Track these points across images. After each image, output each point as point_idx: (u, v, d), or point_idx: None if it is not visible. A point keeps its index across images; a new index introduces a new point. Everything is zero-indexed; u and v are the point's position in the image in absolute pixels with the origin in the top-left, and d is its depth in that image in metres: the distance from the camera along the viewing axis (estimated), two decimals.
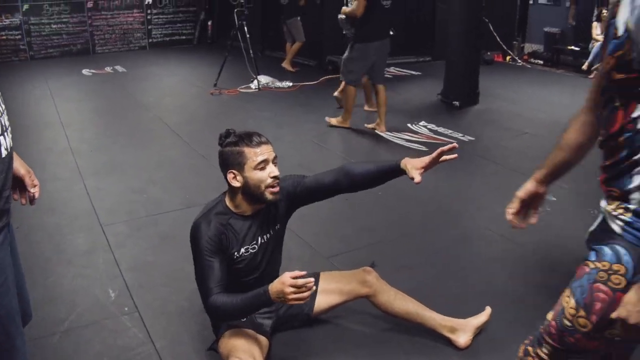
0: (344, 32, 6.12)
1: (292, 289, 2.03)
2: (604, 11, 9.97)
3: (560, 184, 4.44)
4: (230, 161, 2.28)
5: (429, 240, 3.69)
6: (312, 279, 2.06)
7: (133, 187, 4.51)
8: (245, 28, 8.20)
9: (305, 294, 2.06)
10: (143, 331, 2.72)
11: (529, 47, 11.11)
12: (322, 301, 2.61)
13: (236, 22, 8.23)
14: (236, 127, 2.38)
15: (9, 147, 1.45)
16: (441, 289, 3.08)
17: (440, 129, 6.09)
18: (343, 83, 6.24)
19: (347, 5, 6.59)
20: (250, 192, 2.29)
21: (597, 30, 9.94)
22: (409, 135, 5.88)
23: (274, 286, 2.08)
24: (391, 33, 6.59)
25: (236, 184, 2.29)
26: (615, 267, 1.36)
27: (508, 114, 6.83)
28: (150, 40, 12.42)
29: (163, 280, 3.15)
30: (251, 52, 8.20)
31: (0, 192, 1.40)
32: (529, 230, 3.79)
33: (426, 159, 2.24)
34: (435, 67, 10.00)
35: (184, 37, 12.92)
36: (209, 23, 13.09)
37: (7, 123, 1.47)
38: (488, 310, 2.73)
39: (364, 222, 3.94)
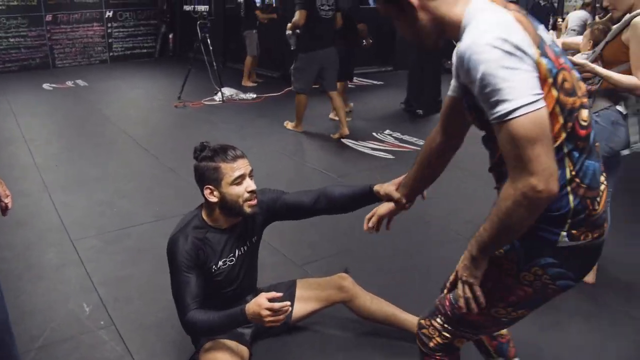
0: (292, 48, 6.32)
1: (268, 312, 2.05)
2: (559, 20, 10.29)
3: None
4: (206, 176, 2.27)
5: (402, 245, 3.74)
6: (288, 302, 2.09)
7: (102, 200, 4.47)
8: (209, 40, 8.21)
9: (281, 317, 2.07)
10: (121, 344, 2.70)
11: None
12: (300, 308, 2.64)
13: (199, 35, 8.24)
14: (202, 140, 2.37)
15: None
16: (416, 292, 3.12)
17: (406, 137, 6.19)
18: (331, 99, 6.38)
19: None
20: (228, 206, 2.29)
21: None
22: (374, 144, 5.97)
23: (251, 308, 2.09)
24: (370, 41, 6.82)
25: (213, 199, 2.28)
26: (509, 255, 1.55)
27: None
28: (111, 54, 12.33)
29: (138, 293, 3.14)
30: (214, 64, 8.21)
31: None
32: None
33: (399, 179, 2.24)
34: (397, 76, 10.16)
35: (145, 51, 12.87)
36: (170, 36, 13.05)
37: None
38: None
39: (335, 230, 3.97)
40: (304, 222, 4.00)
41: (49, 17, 11.40)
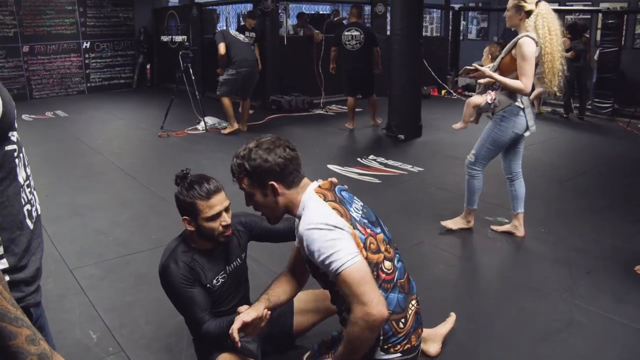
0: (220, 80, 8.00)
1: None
2: None
3: (509, 207, 4.73)
4: (184, 208, 2.39)
5: None
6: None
7: (97, 229, 4.49)
8: (191, 70, 8.29)
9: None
10: None
11: (462, 81, 11.63)
12: (301, 321, 2.74)
13: (181, 65, 8.31)
14: (191, 168, 2.48)
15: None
16: None
17: (390, 162, 6.33)
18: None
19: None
20: (204, 235, 2.41)
21: None
22: (360, 169, 6.09)
23: None
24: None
25: (191, 228, 2.41)
26: None
27: (451, 144, 7.14)
28: (88, 85, 12.33)
29: (145, 319, 3.18)
30: (197, 93, 8.29)
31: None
32: (487, 251, 4.03)
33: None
34: None
35: (122, 81, 12.90)
36: (148, 67, 13.11)
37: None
38: (452, 317, 2.96)
39: None
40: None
41: (25, 48, 11.38)
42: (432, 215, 4.72)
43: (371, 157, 6.56)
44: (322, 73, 10.18)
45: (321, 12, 14.77)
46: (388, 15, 10.68)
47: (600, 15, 9.71)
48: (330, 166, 6.17)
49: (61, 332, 3.06)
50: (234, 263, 2.57)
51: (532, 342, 2.93)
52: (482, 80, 4.05)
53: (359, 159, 6.46)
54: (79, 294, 3.49)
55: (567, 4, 11.65)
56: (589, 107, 9.50)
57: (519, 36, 3.73)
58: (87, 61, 12.24)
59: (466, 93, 11.14)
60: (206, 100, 10.25)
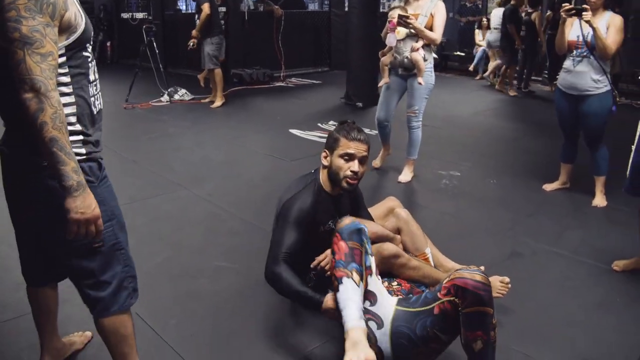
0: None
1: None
2: (484, 19, 11.08)
3: (461, 162, 5.12)
4: (328, 142, 2.67)
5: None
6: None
7: None
8: (154, 44, 8.47)
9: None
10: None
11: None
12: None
13: (145, 39, 8.48)
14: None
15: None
16: None
17: None
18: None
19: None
20: (332, 174, 2.64)
21: (479, 36, 11.05)
22: (321, 133, 6.42)
23: (327, 305, 2.26)
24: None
25: (325, 162, 2.67)
26: None
27: (403, 110, 7.51)
28: None
29: None
30: (161, 67, 8.48)
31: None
32: (440, 199, 4.40)
33: None
34: (333, 75, 10.74)
35: None
36: (108, 44, 13.16)
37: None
38: None
39: None
40: None
41: None
42: (388, 169, 5.12)
43: (331, 122, 6.91)
44: (282, 47, 10.48)
45: None
46: None
47: None
48: (292, 130, 6.50)
49: None
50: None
51: None
52: (417, 45, 4.52)
53: (319, 124, 6.79)
54: None
55: None
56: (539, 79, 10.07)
57: None
58: None
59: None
60: (168, 75, 10.42)
